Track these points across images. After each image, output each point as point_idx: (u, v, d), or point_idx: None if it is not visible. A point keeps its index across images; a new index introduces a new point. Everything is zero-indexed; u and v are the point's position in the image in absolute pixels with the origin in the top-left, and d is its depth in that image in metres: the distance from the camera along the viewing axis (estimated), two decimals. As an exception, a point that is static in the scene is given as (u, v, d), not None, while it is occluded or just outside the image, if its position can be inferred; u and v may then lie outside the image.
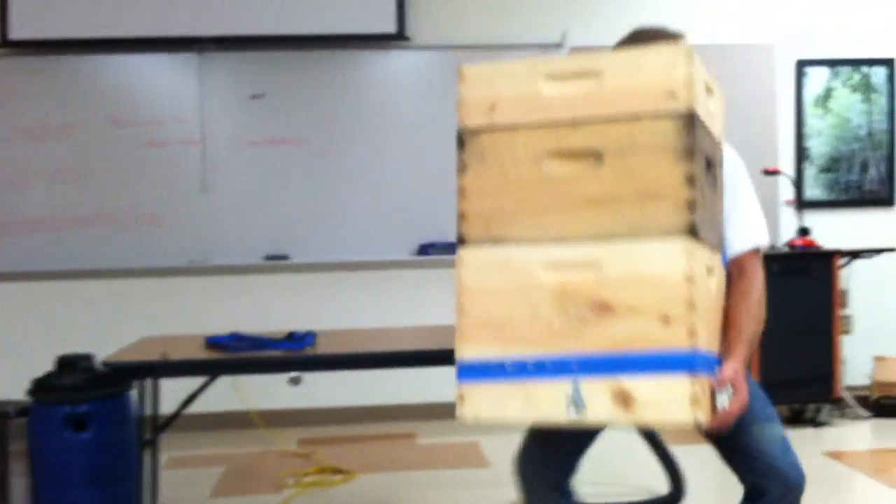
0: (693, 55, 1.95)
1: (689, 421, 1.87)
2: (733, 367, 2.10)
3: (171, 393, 3.97)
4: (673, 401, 1.88)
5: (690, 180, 1.93)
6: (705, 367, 1.95)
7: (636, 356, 1.91)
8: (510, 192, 2.03)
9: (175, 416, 3.60)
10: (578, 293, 1.96)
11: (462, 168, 2.05)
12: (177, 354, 3.35)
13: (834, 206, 6.12)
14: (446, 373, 6.28)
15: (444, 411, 5.75)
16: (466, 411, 2.02)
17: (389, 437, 5.31)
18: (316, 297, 5.75)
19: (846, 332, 5.92)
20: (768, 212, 6.01)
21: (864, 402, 5.60)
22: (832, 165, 6.12)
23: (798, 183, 6.01)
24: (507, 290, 2.00)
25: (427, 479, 4.41)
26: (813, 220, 5.94)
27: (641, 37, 2.39)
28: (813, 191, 6.11)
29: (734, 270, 2.32)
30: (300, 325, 4.20)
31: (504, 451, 4.87)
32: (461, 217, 2.04)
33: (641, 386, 1.90)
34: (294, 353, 3.34)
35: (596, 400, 1.94)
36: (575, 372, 1.95)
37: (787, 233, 5.95)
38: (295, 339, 3.46)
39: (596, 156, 1.98)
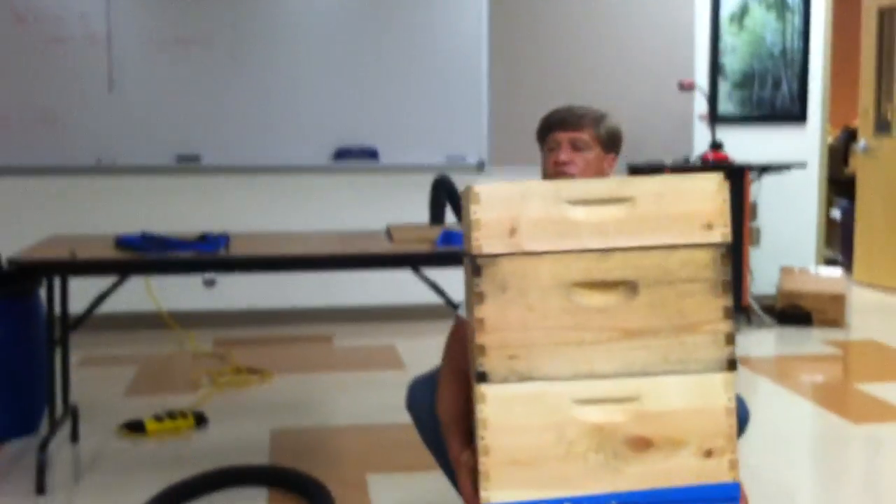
0: (725, 184, 1.87)
1: None
2: None
3: (82, 293, 3.91)
4: None
5: (727, 313, 1.90)
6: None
7: (679, 491, 1.89)
8: (537, 324, 1.86)
9: (86, 316, 3.55)
10: (615, 429, 1.88)
11: (479, 298, 1.85)
12: (86, 254, 3.28)
13: (746, 122, 6.22)
14: (361, 277, 6.31)
15: (360, 314, 5.78)
16: None
17: (306, 340, 5.32)
18: (229, 200, 5.68)
19: (754, 243, 6.09)
20: (683, 126, 6.09)
21: (769, 310, 5.79)
22: (746, 82, 6.20)
23: (712, 98, 6.09)
24: (537, 427, 1.87)
25: (343, 381, 4.45)
26: (726, 134, 6.03)
27: (569, 114, 2.41)
28: (726, 106, 6.20)
29: None
30: (212, 228, 4.14)
31: (420, 354, 4.93)
32: (481, 351, 1.86)
33: None
34: (207, 255, 3.30)
35: None
36: None
37: (700, 147, 6.04)
38: (208, 241, 3.42)
39: (630, 286, 1.88)
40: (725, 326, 1.89)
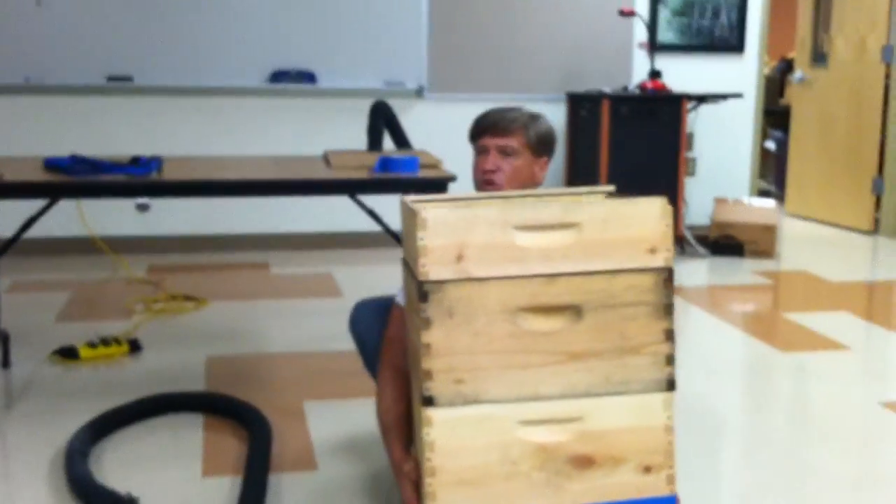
0: (669, 209, 1.91)
1: None
2: None
3: (9, 217, 3.81)
4: None
5: (669, 335, 1.94)
6: None
7: None
8: (483, 349, 1.90)
9: (14, 241, 3.47)
10: (558, 448, 1.94)
11: (426, 323, 1.88)
12: (13, 176, 3.19)
13: (685, 51, 6.23)
14: (298, 203, 6.25)
15: (297, 241, 5.74)
16: None
17: (241, 267, 5.27)
18: (161, 123, 5.55)
19: (690, 173, 6.15)
20: (622, 54, 6.08)
21: (703, 241, 5.87)
22: (685, 10, 6.19)
23: (652, 26, 6.07)
24: (483, 448, 1.92)
25: (280, 308, 4.43)
26: (664, 63, 6.04)
27: (500, 118, 2.39)
28: (666, 34, 6.19)
29: None
30: (144, 152, 4.05)
31: (357, 282, 4.92)
32: (427, 376, 1.89)
33: None
34: (139, 179, 3.23)
35: None
36: None
37: (639, 75, 6.04)
38: (140, 164, 3.34)
39: (575, 310, 1.92)
40: (667, 348, 1.95)
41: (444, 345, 1.89)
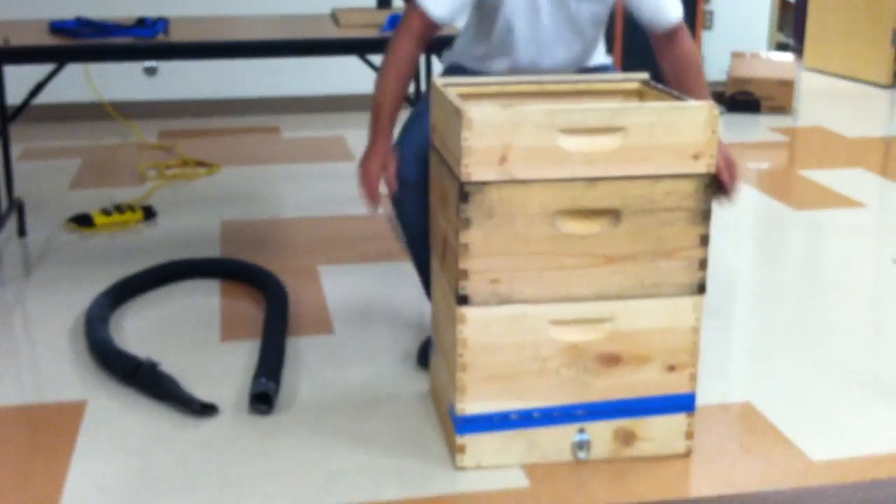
0: (716, 115, 1.88)
1: (683, 451, 2.08)
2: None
3: (17, 82, 3.78)
4: (671, 436, 2.05)
5: (704, 241, 1.95)
6: None
7: (641, 401, 2.02)
8: (520, 250, 1.90)
9: (24, 107, 3.44)
10: (588, 347, 1.98)
11: (465, 224, 1.87)
12: (19, 40, 3.14)
13: None
14: (308, 64, 6.14)
15: (307, 104, 5.68)
16: (468, 460, 2.02)
17: (253, 131, 5.24)
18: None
19: (707, 27, 6.00)
20: None
21: (719, 97, 5.77)
22: None
23: None
24: (514, 346, 1.96)
25: (293, 172, 4.41)
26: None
27: None
28: None
29: (664, 41, 2.29)
30: (150, 13, 3.96)
31: (368, 144, 4.88)
32: (463, 275, 1.89)
33: (643, 425, 2.04)
34: (146, 40, 3.18)
35: (600, 440, 2.04)
36: (581, 419, 2.02)
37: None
38: (146, 26, 3.28)
39: (614, 215, 1.91)
40: (700, 253, 1.97)
41: (481, 246, 1.90)
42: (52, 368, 2.52)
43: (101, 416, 2.27)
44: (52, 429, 2.22)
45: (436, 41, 2.51)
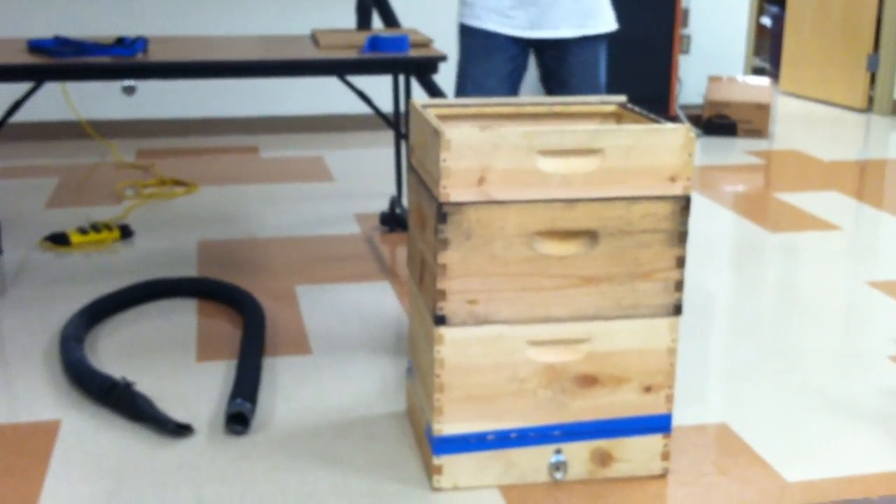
0: (692, 139, 1.92)
1: (659, 472, 2.09)
2: None
3: (-6, 101, 3.76)
4: (648, 457, 2.07)
5: (680, 262, 1.97)
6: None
7: (618, 422, 2.04)
8: (498, 271, 1.92)
9: (1, 125, 3.42)
10: (565, 368, 1.99)
11: (443, 244, 1.88)
12: (-4, 59, 3.13)
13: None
14: (287, 84, 6.15)
15: (286, 124, 5.68)
16: (445, 482, 2.03)
17: (231, 151, 5.23)
18: (145, 1, 5.41)
19: (684, 51, 6.06)
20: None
21: (696, 120, 5.82)
22: None
23: None
24: (492, 367, 1.97)
25: (271, 192, 4.41)
26: (661, -64, 5.87)
27: None
28: None
29: None
30: (129, 33, 3.96)
31: (348, 165, 4.89)
32: (441, 296, 1.91)
33: (620, 446, 2.05)
34: (124, 60, 3.17)
35: (577, 461, 2.05)
36: (558, 440, 2.04)
37: (635, -51, 5.89)
38: (125, 45, 3.28)
39: (591, 236, 1.93)
40: (677, 274, 1.99)
41: (459, 266, 1.92)
42: (27, 388, 2.50)
43: (75, 437, 2.26)
44: (26, 449, 2.20)
45: (420, 68, 2.52)
